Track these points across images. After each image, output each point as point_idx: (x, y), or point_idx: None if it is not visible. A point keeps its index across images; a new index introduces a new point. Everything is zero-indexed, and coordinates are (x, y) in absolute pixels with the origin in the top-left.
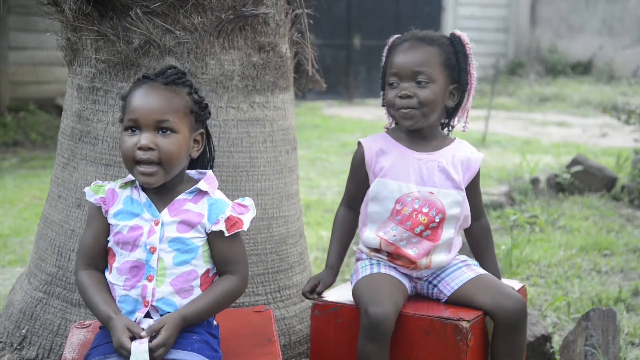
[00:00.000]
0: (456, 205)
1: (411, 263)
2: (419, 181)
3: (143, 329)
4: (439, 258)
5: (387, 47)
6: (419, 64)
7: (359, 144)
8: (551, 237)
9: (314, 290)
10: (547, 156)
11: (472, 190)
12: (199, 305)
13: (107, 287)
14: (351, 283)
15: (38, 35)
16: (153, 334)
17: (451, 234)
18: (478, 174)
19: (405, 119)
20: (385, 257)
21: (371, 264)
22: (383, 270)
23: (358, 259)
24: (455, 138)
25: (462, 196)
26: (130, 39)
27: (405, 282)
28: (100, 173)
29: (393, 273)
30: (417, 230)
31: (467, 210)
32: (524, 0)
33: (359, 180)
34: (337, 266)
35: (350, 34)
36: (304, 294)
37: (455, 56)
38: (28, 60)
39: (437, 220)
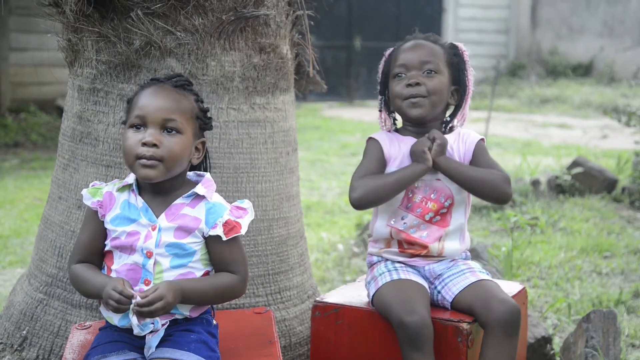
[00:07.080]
0: (462, 191)
1: (423, 248)
2: None
3: (137, 295)
4: (451, 245)
5: (387, 53)
6: (426, 55)
7: (371, 139)
8: (552, 239)
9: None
10: (547, 158)
11: (479, 161)
12: (199, 282)
13: (101, 272)
14: (367, 290)
15: (39, 37)
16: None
17: (461, 220)
18: (481, 149)
19: (414, 108)
20: (396, 249)
21: (389, 270)
22: (403, 275)
23: (371, 264)
24: (455, 128)
25: None
26: (131, 40)
27: (426, 285)
28: (101, 174)
29: (413, 277)
30: (427, 217)
31: (471, 197)
32: (524, 1)
33: (377, 161)
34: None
35: (351, 36)
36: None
37: (456, 59)
38: (29, 62)
39: (447, 205)
